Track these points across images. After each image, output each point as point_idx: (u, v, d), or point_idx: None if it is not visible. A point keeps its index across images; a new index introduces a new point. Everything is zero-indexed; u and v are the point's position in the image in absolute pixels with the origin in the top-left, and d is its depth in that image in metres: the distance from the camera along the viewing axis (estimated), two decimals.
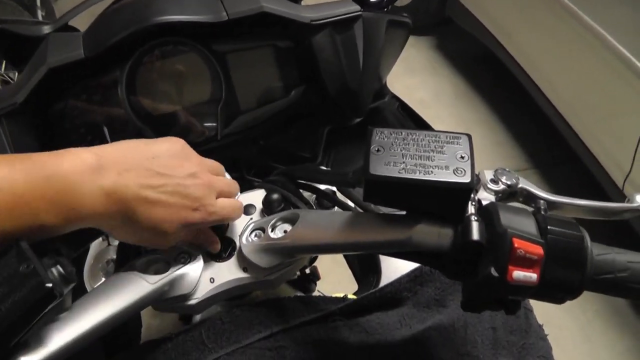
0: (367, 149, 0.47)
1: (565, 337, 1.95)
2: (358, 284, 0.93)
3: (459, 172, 0.45)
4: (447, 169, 0.45)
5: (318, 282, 1.02)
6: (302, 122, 0.86)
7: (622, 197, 1.67)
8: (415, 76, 3.10)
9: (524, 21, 2.53)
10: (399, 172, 0.45)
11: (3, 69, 2.18)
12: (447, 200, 0.46)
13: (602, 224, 0.47)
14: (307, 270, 1.00)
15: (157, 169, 0.53)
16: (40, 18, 2.35)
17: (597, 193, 2.11)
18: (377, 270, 0.81)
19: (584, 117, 2.21)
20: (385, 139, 0.48)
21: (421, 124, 0.95)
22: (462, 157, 0.46)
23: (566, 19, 2.18)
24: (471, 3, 2.93)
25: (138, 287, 0.56)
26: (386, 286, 0.70)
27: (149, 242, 0.57)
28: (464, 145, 0.47)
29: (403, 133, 0.48)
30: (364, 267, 0.86)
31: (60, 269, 0.46)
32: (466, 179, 0.44)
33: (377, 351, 0.65)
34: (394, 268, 0.78)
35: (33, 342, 0.46)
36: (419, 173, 0.45)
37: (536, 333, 0.75)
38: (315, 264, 1.02)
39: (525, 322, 0.75)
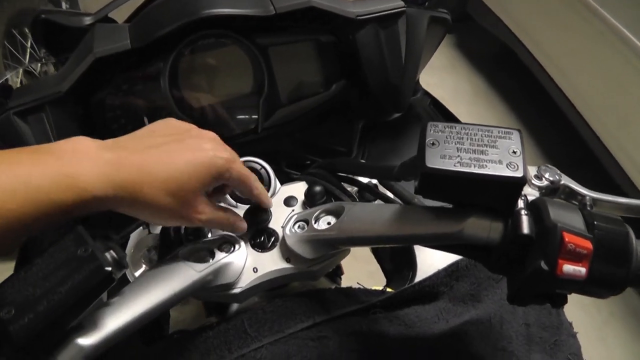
0: (422, 142, 0.48)
1: (581, 338, 1.95)
2: (387, 278, 0.94)
3: (512, 166, 0.45)
4: (500, 163, 0.46)
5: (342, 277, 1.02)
6: (337, 116, 0.87)
7: None
8: (435, 74, 3.09)
9: (546, 19, 2.52)
10: (454, 166, 0.46)
11: (27, 59, 2.21)
12: (500, 194, 0.46)
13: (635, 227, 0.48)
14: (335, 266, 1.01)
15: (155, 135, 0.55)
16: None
17: (615, 194, 2.10)
18: (412, 265, 0.81)
19: (603, 118, 2.20)
20: (440, 133, 0.48)
21: (452, 120, 0.95)
22: (514, 152, 0.47)
23: (588, 17, 2.17)
24: (492, 1, 2.91)
25: (186, 275, 0.57)
26: (424, 280, 0.70)
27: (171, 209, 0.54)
28: (515, 140, 0.48)
29: (457, 127, 0.49)
30: (399, 262, 0.86)
31: (114, 254, 0.47)
32: (519, 173, 0.45)
33: (417, 344, 0.65)
34: (429, 263, 0.79)
35: (88, 324, 0.47)
36: (474, 167, 0.46)
37: (567, 330, 0.75)
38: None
39: (557, 319, 0.75)
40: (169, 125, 0.57)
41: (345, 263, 1.07)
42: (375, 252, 0.98)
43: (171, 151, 0.53)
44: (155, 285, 0.54)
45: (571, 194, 0.61)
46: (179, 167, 0.52)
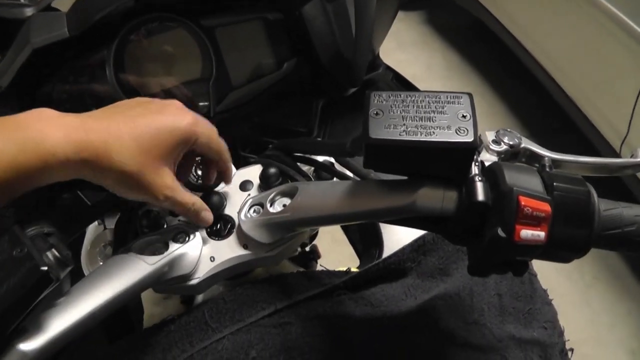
0: (366, 113, 0.46)
1: (566, 303, 1.96)
2: (359, 258, 0.92)
3: (462, 131, 0.43)
4: (449, 129, 0.44)
5: (318, 261, 1.01)
6: (295, 97, 0.85)
7: None
8: (407, 51, 3.08)
9: None
10: (399, 135, 0.44)
11: None
12: (451, 161, 0.45)
13: (597, 186, 0.46)
14: (307, 249, 0.99)
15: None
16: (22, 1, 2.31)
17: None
18: (379, 243, 0.80)
19: (578, 83, 2.20)
20: (384, 102, 0.46)
21: None
22: (464, 117, 0.45)
23: None
24: None
25: (137, 268, 0.55)
26: (389, 257, 0.69)
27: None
28: (465, 105, 0.46)
29: (402, 95, 0.47)
30: (366, 241, 0.85)
31: (56, 253, 0.45)
32: (469, 137, 0.43)
33: (384, 323, 0.64)
34: (396, 239, 0.77)
35: (31, 328, 0.45)
36: (421, 135, 0.44)
37: (541, 298, 0.74)
38: (315, 242, 1.01)
39: (530, 287, 0.74)
40: (132, 100, 0.56)
41: (326, 246, 1.06)
42: (346, 233, 0.97)
43: (135, 116, 0.52)
44: (104, 281, 0.52)
45: (532, 157, 0.59)
46: (144, 130, 0.51)
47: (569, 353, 0.73)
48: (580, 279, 2.08)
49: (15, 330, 0.43)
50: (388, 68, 0.98)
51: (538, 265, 0.75)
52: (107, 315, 0.51)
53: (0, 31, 0.81)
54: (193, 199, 0.58)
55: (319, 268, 0.70)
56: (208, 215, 0.61)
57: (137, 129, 0.51)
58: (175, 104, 0.56)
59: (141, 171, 0.51)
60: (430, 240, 0.71)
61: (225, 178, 0.65)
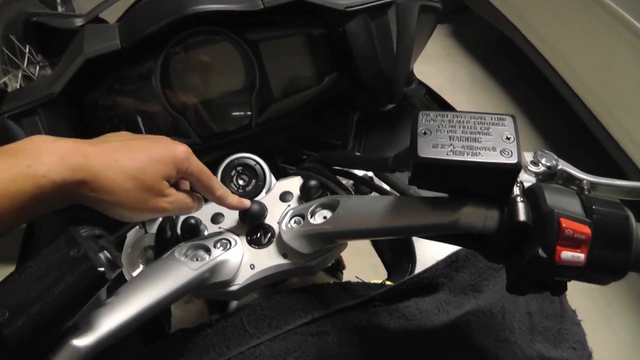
0: (414, 131, 0.47)
1: (585, 322, 1.94)
2: (388, 271, 0.93)
3: (506, 153, 0.45)
4: (494, 150, 0.45)
5: (344, 272, 1.02)
6: (332, 110, 0.86)
7: None
8: (432, 64, 3.08)
9: (542, 5, 2.50)
10: (447, 155, 0.45)
11: (25, 64, 2.21)
12: (495, 181, 0.46)
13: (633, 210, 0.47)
14: (333, 260, 1.00)
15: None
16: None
17: (617, 177, 2.09)
18: (411, 257, 0.81)
19: (603, 100, 2.18)
20: (432, 122, 0.48)
21: (448, 110, 0.95)
22: (508, 138, 0.46)
23: (588, 2, 2.15)
24: None
25: (180, 273, 0.57)
26: (423, 272, 0.70)
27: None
28: (509, 126, 0.47)
29: (449, 115, 0.48)
30: (398, 254, 0.86)
31: (107, 254, 0.46)
32: (514, 159, 0.44)
33: (418, 337, 0.65)
34: (429, 254, 0.78)
35: (83, 325, 0.47)
36: (467, 155, 0.45)
37: (571, 318, 0.74)
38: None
39: (560, 307, 0.75)
40: (123, 133, 0.58)
41: (347, 257, 1.07)
42: (375, 245, 0.98)
43: (131, 144, 0.54)
44: (150, 284, 0.54)
45: (569, 179, 0.60)
46: (140, 155, 0.53)
47: None
48: (601, 298, 2.06)
49: (69, 327, 0.45)
50: (420, 83, 0.99)
51: None
52: (151, 316, 0.52)
53: (50, 40, 0.85)
54: (190, 197, 0.60)
55: (354, 280, 0.70)
56: (202, 201, 0.63)
57: (133, 153, 0.52)
58: (168, 138, 0.59)
59: (140, 191, 0.52)
60: (463, 256, 0.72)
61: (224, 205, 0.65)
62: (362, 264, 1.19)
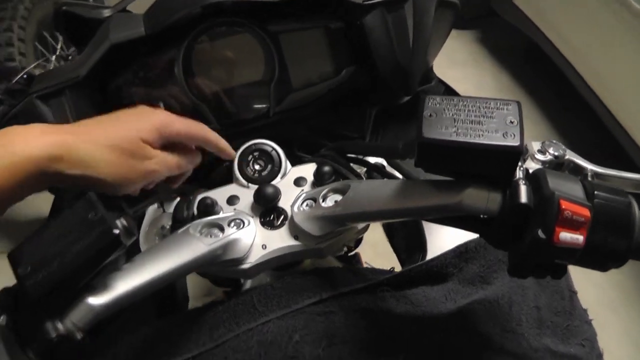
0: (420, 114, 0.48)
1: (607, 334, 1.92)
2: (401, 264, 0.95)
3: (509, 135, 0.46)
4: (497, 133, 0.46)
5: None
6: (350, 103, 0.88)
7: None
8: (458, 69, 3.08)
9: (573, 13, 2.47)
10: (450, 136, 0.46)
11: (55, 56, 2.27)
12: (497, 164, 0.47)
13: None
14: (352, 254, 1.02)
15: None
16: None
17: None
18: (423, 248, 0.82)
19: (634, 112, 2.16)
20: (437, 105, 0.49)
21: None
22: (512, 122, 0.47)
23: (618, 9, 2.13)
24: None
25: (195, 247, 0.59)
26: (432, 260, 0.71)
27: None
28: (513, 111, 0.48)
29: (454, 99, 0.50)
30: (410, 246, 0.87)
31: (124, 222, 0.48)
32: (516, 142, 0.45)
33: (423, 322, 0.66)
34: (439, 246, 0.79)
35: (99, 286, 0.49)
36: (470, 136, 0.46)
37: (581, 316, 0.74)
38: (358, 250, 1.04)
39: (570, 304, 0.75)
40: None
41: (367, 258, 1.08)
42: (390, 237, 0.99)
43: (104, 119, 0.56)
44: (165, 255, 0.56)
45: (576, 170, 0.60)
46: (116, 125, 0.55)
47: None
48: (622, 308, 2.03)
49: (85, 286, 0.48)
50: (440, 81, 1.01)
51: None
52: (163, 285, 0.55)
53: (78, 29, 0.88)
54: (183, 153, 0.62)
55: (365, 265, 0.72)
56: (197, 155, 0.65)
57: (107, 124, 0.54)
58: (145, 107, 0.60)
59: (120, 160, 0.53)
60: (472, 248, 0.73)
61: (224, 155, 0.68)
62: (382, 265, 1.21)
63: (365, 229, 0.78)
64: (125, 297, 0.50)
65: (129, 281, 0.51)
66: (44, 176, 0.49)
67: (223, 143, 0.67)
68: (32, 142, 0.48)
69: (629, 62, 2.16)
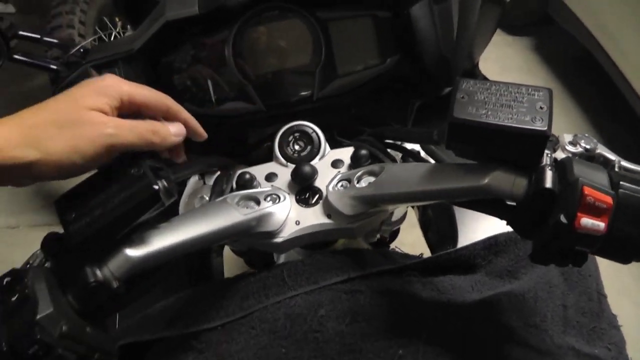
0: (453, 96, 0.50)
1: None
2: (432, 252, 0.95)
3: (537, 120, 0.47)
4: (526, 117, 0.47)
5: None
6: (393, 93, 0.90)
7: None
8: (510, 76, 3.04)
9: (631, 22, 2.41)
10: (480, 117, 0.48)
11: (118, 29, 2.35)
12: (524, 147, 0.48)
13: None
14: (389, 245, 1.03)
15: None
16: None
17: None
18: (454, 239, 0.83)
19: None
20: (471, 88, 0.50)
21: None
22: (542, 108, 0.48)
23: None
24: (574, 1, 2.82)
25: (231, 215, 0.61)
26: (461, 249, 0.72)
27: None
28: (544, 97, 0.49)
29: (488, 84, 0.51)
30: (442, 237, 0.88)
31: (165, 183, 0.50)
32: (544, 126, 0.46)
33: (448, 310, 0.67)
34: (471, 238, 0.80)
35: (137, 239, 0.51)
36: (500, 119, 0.47)
37: (609, 320, 0.74)
38: (393, 247, 1.05)
39: (598, 306, 0.74)
40: None
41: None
42: (424, 232, 1.00)
43: (49, 100, 0.52)
44: (201, 219, 0.58)
45: (605, 163, 0.60)
46: (57, 100, 0.51)
47: None
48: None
49: (123, 238, 0.50)
50: (485, 79, 1.01)
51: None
52: (197, 249, 0.57)
53: (138, 8, 0.92)
54: (142, 124, 0.54)
55: (394, 249, 0.74)
56: (179, 129, 0.58)
57: (45, 103, 0.51)
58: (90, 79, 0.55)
59: (62, 129, 0.49)
60: (502, 241, 0.73)
61: (192, 134, 0.61)
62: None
63: (402, 219, 0.80)
64: (161, 254, 0.52)
65: (165, 239, 0.53)
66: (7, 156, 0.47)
67: (191, 119, 0.60)
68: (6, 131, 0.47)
69: None
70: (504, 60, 3.13)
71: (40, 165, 0.48)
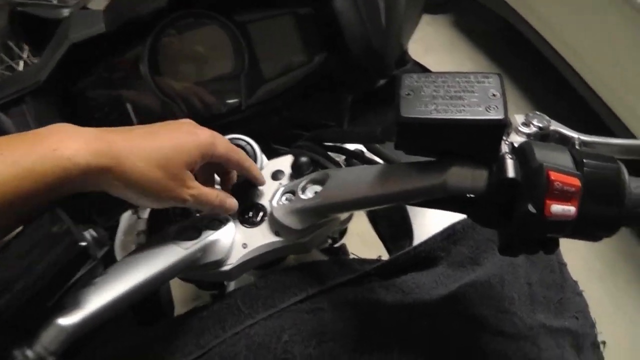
0: (398, 93, 0.46)
1: (599, 308, 1.91)
2: (388, 252, 0.92)
3: (492, 109, 0.44)
4: (479, 107, 0.44)
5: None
6: (326, 92, 0.86)
7: None
8: (435, 55, 3.07)
9: None
10: (430, 113, 0.44)
11: (27, 54, 2.23)
12: (481, 139, 0.45)
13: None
14: (337, 245, 1.00)
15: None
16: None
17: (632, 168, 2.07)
18: (409, 234, 0.80)
19: (614, 87, 2.14)
20: (415, 83, 0.47)
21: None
22: (494, 95, 0.45)
23: None
24: None
25: (172, 252, 0.56)
26: (419, 245, 0.70)
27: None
28: (494, 84, 0.46)
29: (432, 76, 0.47)
30: (396, 233, 0.85)
31: (93, 233, 0.45)
32: (499, 114, 0.43)
33: (415, 310, 0.64)
34: (427, 231, 0.78)
35: (69, 304, 0.46)
36: (452, 112, 0.44)
37: (572, 288, 0.74)
38: (344, 241, 1.02)
39: (561, 277, 0.74)
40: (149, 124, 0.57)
41: (353, 249, 1.06)
42: (374, 225, 0.97)
43: (154, 132, 0.53)
44: (140, 263, 0.53)
45: (562, 140, 0.59)
46: (165, 143, 0.52)
47: (601, 346, 0.72)
48: (613, 286, 2.03)
49: (55, 305, 0.44)
50: (416, 64, 0.99)
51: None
52: (141, 297, 0.52)
53: (37, 31, 0.85)
54: (215, 192, 0.59)
55: (351, 255, 0.70)
56: (232, 202, 0.62)
57: (158, 141, 0.52)
58: (192, 122, 0.58)
59: (164, 179, 0.51)
60: (460, 229, 0.71)
61: (256, 182, 0.66)
62: (369, 255, 1.19)
63: (349, 219, 0.76)
64: (100, 314, 0.46)
65: (102, 296, 0.47)
66: (89, 182, 0.47)
67: (256, 169, 0.65)
68: (84, 150, 0.45)
69: (607, 37, 2.14)
70: (427, 40, 3.15)
71: (126, 191, 0.50)
